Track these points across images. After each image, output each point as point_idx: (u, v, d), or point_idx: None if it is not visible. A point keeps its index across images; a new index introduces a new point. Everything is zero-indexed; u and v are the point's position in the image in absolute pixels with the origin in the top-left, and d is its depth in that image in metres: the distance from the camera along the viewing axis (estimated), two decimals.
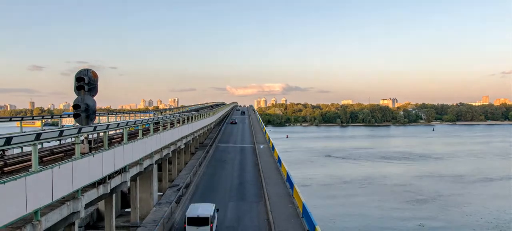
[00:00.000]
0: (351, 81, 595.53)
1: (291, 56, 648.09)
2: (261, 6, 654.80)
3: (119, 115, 57.38)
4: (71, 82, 19.98)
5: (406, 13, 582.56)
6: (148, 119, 29.66)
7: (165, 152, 33.29)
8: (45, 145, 22.93)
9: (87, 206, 17.21)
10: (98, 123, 25.42)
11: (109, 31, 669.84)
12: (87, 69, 20.01)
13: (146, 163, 26.89)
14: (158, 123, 36.69)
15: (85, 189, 16.46)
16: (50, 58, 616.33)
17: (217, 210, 25.28)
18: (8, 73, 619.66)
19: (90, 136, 19.41)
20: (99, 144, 20.34)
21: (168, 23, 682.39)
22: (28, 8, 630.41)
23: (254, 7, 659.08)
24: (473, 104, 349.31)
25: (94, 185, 17.55)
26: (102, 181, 18.37)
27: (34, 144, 12.40)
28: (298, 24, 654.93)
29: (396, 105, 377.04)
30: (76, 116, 19.84)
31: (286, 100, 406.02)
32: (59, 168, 13.36)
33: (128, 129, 22.78)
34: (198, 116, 53.22)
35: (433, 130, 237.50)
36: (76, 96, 19.95)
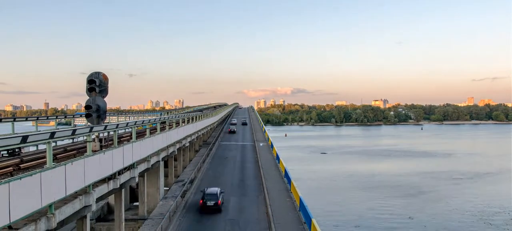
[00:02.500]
0: (351, 83, 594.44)
1: (300, 61, 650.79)
2: (269, 12, 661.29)
3: (128, 115, 57.44)
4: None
5: (404, 17, 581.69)
6: (155, 119, 29.59)
7: (171, 150, 33.28)
8: (59, 143, 23.00)
9: (98, 200, 17.24)
10: (108, 123, 25.40)
11: (142, 38, 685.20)
12: (98, 73, 20.01)
13: (153, 160, 26.90)
14: (165, 122, 36.70)
15: (96, 184, 16.47)
16: (101, 65, 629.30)
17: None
18: (62, 79, 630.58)
19: (101, 135, 19.40)
20: (109, 142, 20.34)
21: (189, 32, 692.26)
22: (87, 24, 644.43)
23: (263, 14, 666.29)
24: (459, 105, 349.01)
25: (104, 180, 17.57)
26: (112, 177, 18.38)
27: (49, 142, 12.43)
28: (305, 29, 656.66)
29: (387, 105, 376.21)
30: (87, 116, 19.86)
31: (284, 101, 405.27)
32: (72, 164, 13.37)
33: (136, 128, 22.77)
34: (201, 115, 53.19)
35: (422, 129, 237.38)
36: (88, 98, 19.98)
